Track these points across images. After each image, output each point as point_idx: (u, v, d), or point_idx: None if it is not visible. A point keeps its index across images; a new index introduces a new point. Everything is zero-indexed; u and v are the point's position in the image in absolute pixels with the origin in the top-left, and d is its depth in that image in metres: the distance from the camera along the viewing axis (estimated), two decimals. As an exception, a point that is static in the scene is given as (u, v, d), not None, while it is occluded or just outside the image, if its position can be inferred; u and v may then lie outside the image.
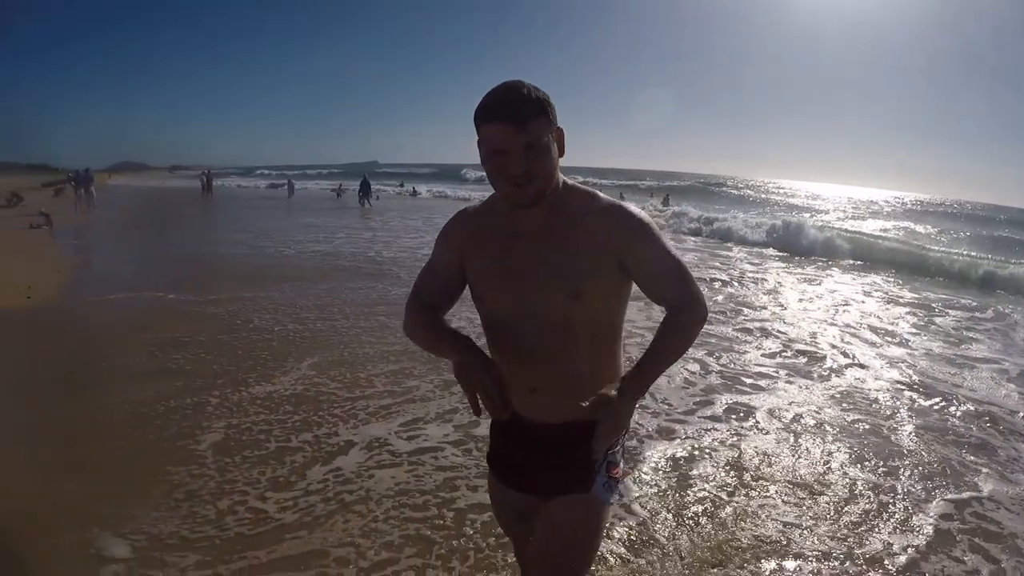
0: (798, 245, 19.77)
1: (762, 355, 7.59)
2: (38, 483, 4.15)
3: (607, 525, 2.18)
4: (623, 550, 3.61)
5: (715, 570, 3.48)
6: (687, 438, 5.10)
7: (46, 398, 5.65)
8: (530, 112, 1.74)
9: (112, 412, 5.18)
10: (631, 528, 3.82)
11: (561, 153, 1.86)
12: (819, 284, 13.76)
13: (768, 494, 4.29)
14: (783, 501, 4.20)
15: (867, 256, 18.30)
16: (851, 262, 17.63)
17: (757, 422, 5.51)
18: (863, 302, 11.77)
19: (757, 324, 9.21)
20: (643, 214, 1.91)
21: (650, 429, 5.21)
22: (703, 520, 3.94)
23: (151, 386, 5.72)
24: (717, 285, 12.67)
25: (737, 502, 4.18)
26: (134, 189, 52.49)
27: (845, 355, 7.77)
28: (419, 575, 3.36)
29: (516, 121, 1.72)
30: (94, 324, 8.40)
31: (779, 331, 8.81)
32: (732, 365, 7.08)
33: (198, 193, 42.72)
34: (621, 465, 2.10)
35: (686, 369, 6.70)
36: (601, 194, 1.95)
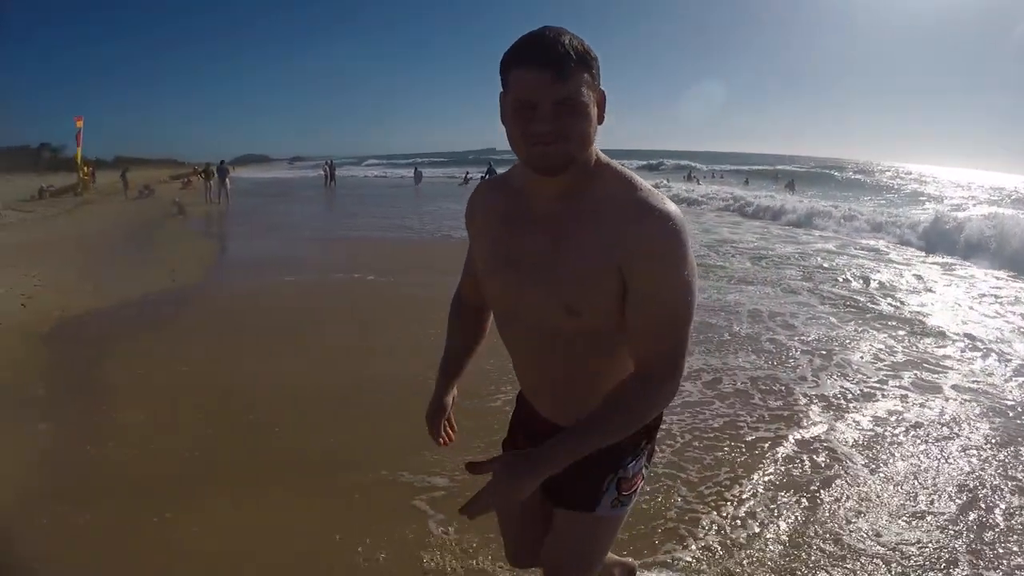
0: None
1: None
2: (370, 428, 4.63)
3: (619, 529, 2.00)
4: None
5: None
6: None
7: (366, 361, 6.18)
8: (570, 61, 1.40)
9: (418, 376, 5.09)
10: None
11: (600, 120, 1.51)
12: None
13: None
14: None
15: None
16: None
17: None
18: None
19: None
20: (679, 225, 1.49)
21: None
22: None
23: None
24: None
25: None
26: (259, 180, 54.65)
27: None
28: None
29: (553, 68, 1.39)
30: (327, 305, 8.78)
31: None
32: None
33: (320, 183, 43.60)
34: (643, 472, 1.92)
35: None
36: (642, 183, 1.56)
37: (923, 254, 14.16)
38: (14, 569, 3.12)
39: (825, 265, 12.01)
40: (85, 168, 35.68)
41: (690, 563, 3.18)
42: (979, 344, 6.95)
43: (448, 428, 2.07)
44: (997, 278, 11.31)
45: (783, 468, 4.14)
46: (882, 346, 6.77)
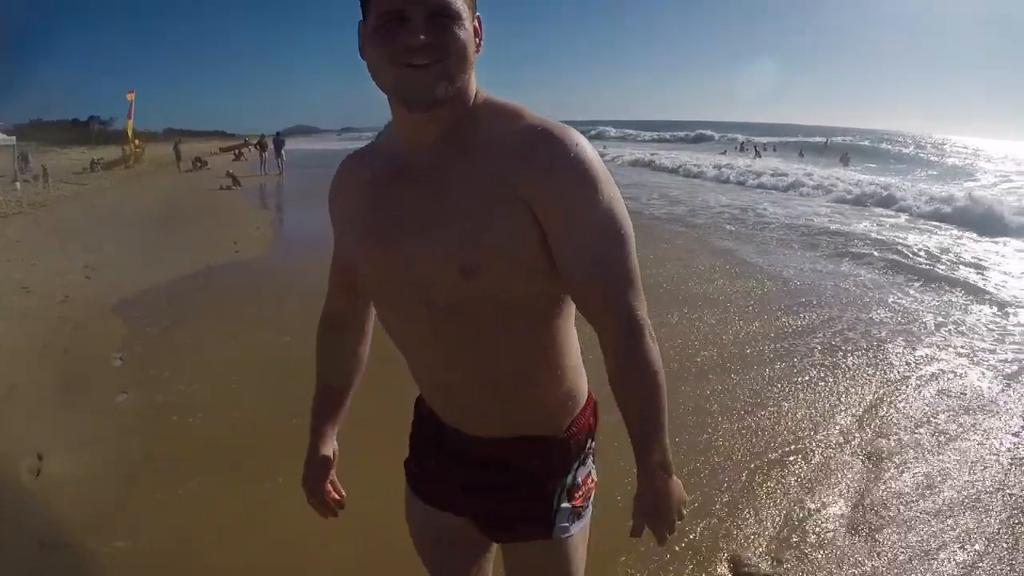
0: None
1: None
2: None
3: (584, 546, 1.56)
4: None
5: None
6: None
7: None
8: None
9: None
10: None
11: (478, 48, 1.25)
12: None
13: None
14: None
15: None
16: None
17: None
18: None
19: None
20: (583, 141, 1.24)
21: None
22: None
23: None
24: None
25: None
26: (309, 151, 54.39)
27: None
28: None
29: None
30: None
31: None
32: None
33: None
34: (592, 475, 1.56)
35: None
36: (532, 111, 1.28)
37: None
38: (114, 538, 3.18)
39: None
40: (136, 141, 36.37)
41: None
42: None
43: (334, 492, 1.65)
44: None
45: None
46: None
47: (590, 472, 1.55)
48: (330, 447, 1.63)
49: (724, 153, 42.37)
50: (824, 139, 56.11)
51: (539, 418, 1.45)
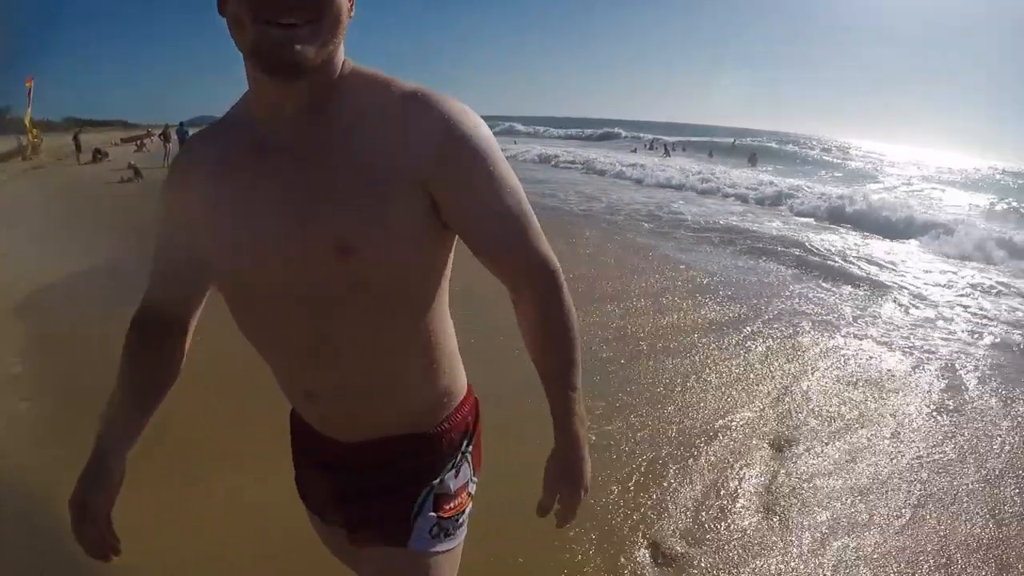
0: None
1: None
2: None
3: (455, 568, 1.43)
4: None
5: None
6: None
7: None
8: None
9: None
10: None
11: (351, 12, 1.14)
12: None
13: None
14: None
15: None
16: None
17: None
18: None
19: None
20: (472, 117, 1.18)
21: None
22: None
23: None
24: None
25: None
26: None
27: None
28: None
29: None
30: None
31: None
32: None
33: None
34: (469, 487, 1.47)
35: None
36: (403, 81, 1.19)
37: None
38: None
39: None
40: (34, 131, 34.84)
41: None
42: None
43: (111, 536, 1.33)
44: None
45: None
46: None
47: (467, 484, 1.46)
48: (121, 472, 1.34)
49: (634, 151, 43.08)
50: (732, 140, 57.47)
51: (413, 415, 1.38)
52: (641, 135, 63.39)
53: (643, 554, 3.12)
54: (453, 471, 1.41)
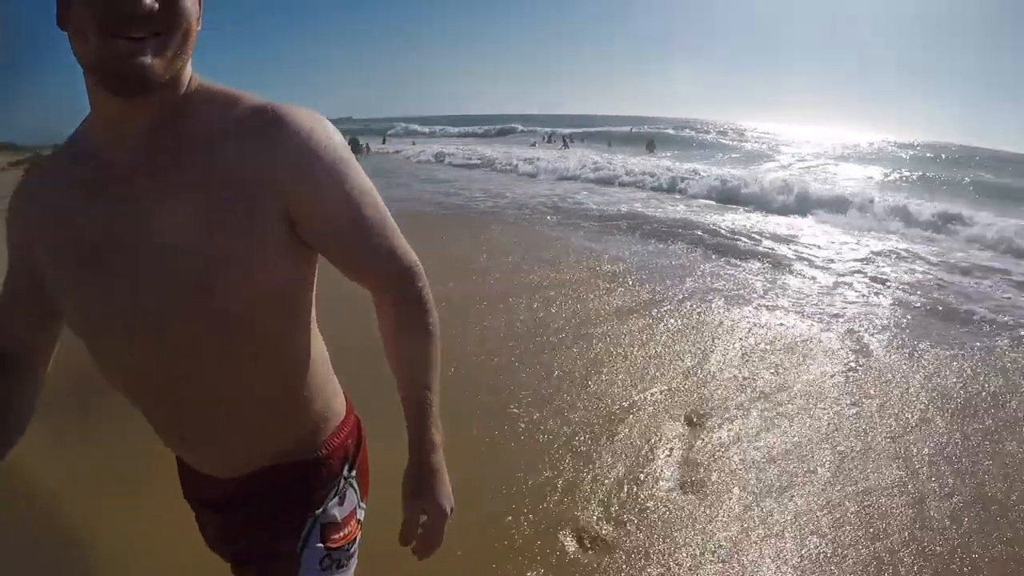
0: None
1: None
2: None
3: None
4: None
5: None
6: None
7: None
8: None
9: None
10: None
11: (197, 22, 1.06)
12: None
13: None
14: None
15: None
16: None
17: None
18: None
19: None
20: (326, 127, 1.15)
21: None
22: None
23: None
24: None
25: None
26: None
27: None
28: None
29: None
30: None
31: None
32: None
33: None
34: (358, 513, 1.43)
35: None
36: (252, 95, 1.15)
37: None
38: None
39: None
40: None
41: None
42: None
43: None
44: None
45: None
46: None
47: (355, 510, 1.42)
48: None
49: (534, 145, 43.07)
50: (629, 128, 58.14)
51: (288, 443, 1.32)
52: (538, 129, 63.44)
53: (569, 540, 3.17)
54: (336, 499, 1.37)
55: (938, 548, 3.25)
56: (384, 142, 38.73)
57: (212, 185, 1.06)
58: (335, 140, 1.14)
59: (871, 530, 3.36)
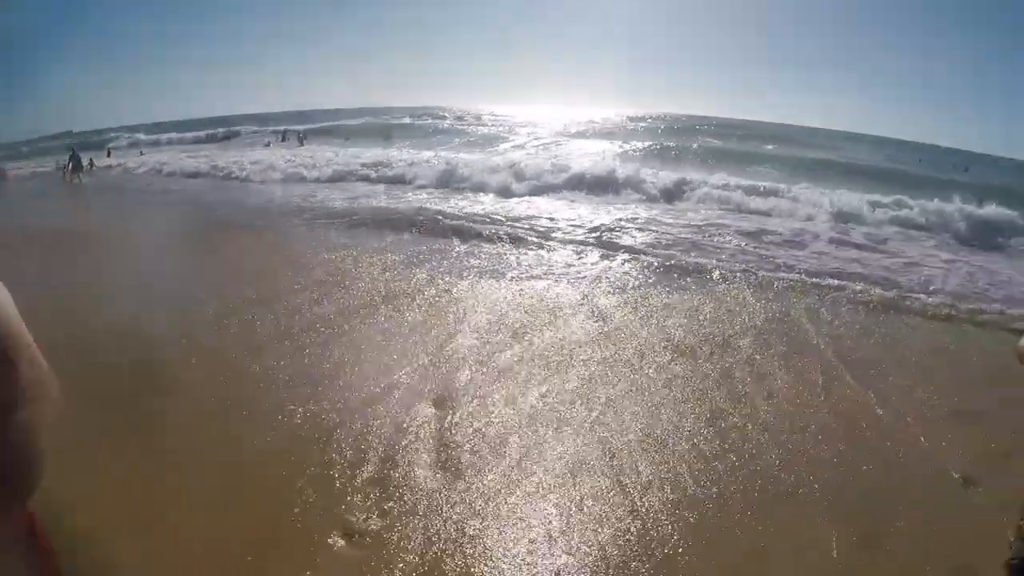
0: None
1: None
2: None
3: None
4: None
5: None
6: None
7: None
8: None
9: None
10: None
11: None
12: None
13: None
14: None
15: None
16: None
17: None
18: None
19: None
20: None
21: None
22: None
23: None
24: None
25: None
26: None
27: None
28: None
29: None
30: None
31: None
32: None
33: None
34: None
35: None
36: None
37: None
38: None
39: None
40: None
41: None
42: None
43: None
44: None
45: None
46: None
47: None
48: None
49: (267, 145, 41.81)
50: (362, 120, 58.00)
51: None
52: (270, 128, 61.54)
53: (336, 539, 3.33)
54: None
55: (687, 481, 3.92)
56: (109, 155, 36.25)
57: None
58: None
59: (620, 480, 3.88)
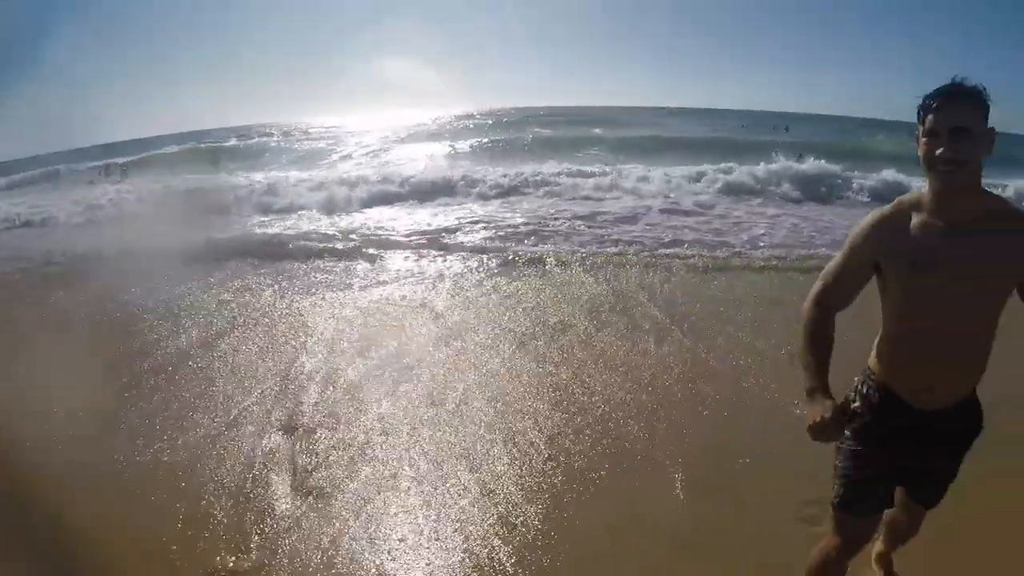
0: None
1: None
2: None
3: None
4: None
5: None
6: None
7: None
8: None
9: None
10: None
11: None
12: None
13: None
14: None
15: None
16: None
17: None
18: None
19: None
20: None
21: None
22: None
23: None
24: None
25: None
26: None
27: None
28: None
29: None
30: None
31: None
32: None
33: None
34: None
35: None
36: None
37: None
38: None
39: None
40: None
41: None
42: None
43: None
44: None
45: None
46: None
47: None
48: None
49: (91, 183, 39.98)
50: (176, 147, 55.99)
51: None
52: (87, 164, 58.62)
53: None
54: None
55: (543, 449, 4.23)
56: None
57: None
58: None
59: (477, 468, 4.08)
